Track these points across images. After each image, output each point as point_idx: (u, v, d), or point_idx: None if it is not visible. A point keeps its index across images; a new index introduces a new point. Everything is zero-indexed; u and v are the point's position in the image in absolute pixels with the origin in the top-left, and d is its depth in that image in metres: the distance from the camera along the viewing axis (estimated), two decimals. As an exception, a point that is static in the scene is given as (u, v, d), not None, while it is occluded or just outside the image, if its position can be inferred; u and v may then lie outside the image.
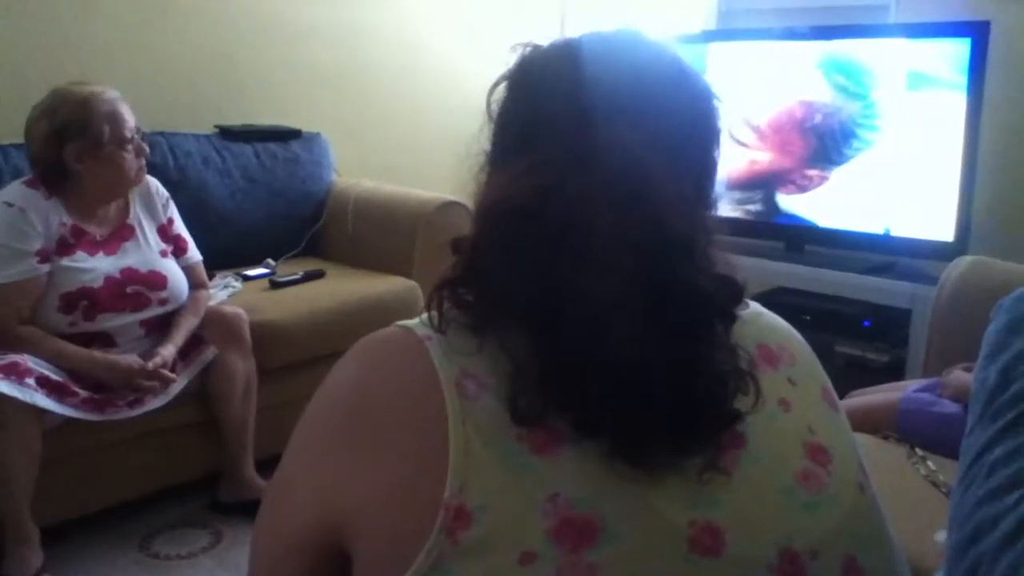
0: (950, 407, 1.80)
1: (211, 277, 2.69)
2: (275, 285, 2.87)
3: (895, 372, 2.84)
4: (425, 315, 0.76)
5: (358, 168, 3.54)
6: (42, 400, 2.05)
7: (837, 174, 3.05)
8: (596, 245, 0.68)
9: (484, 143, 0.84)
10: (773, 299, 3.18)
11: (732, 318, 0.74)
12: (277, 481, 0.82)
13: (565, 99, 0.77)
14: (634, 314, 0.67)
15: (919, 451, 1.78)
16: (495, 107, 0.83)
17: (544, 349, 0.69)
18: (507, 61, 0.83)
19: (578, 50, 0.80)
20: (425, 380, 0.71)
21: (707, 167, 0.83)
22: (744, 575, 0.69)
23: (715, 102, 0.83)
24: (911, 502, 1.60)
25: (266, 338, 2.54)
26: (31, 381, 2.04)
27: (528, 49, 0.83)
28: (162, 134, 2.94)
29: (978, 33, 2.71)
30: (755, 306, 0.85)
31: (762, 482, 0.72)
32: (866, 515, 0.78)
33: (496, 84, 0.83)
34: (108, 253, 2.30)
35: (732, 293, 0.75)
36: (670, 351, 0.68)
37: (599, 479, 0.68)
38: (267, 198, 3.18)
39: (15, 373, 2.02)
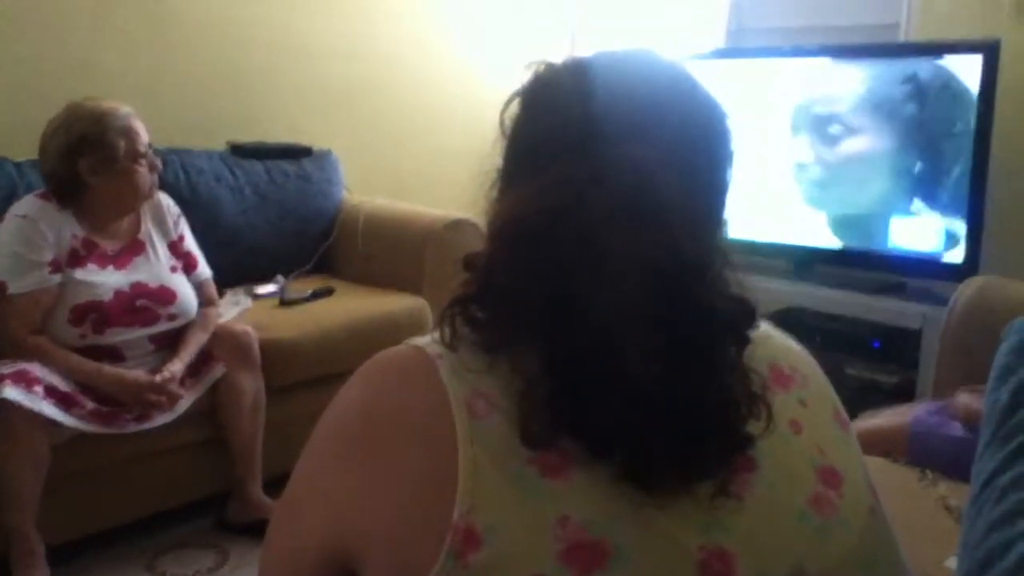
0: (960, 430, 1.79)
1: (221, 295, 2.70)
2: (285, 303, 2.87)
3: (905, 394, 2.81)
4: (436, 332, 0.76)
5: (368, 185, 3.55)
6: (49, 409, 2.05)
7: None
8: (609, 265, 0.68)
9: (497, 159, 0.83)
10: (783, 320, 3.16)
11: (746, 340, 0.74)
12: (285, 501, 0.82)
13: (578, 118, 0.76)
14: (646, 335, 0.66)
15: (930, 474, 1.76)
16: (508, 123, 0.82)
17: (555, 369, 0.68)
18: (520, 79, 0.82)
19: (591, 69, 0.80)
20: (434, 400, 0.71)
21: (720, 187, 0.82)
22: None
23: (728, 122, 0.82)
24: (921, 527, 1.58)
25: (275, 356, 2.54)
26: (39, 389, 2.05)
27: (542, 67, 0.82)
28: (174, 151, 2.94)
29: (988, 52, 2.71)
30: (766, 326, 0.84)
31: (774, 507, 0.72)
32: (878, 539, 0.77)
33: (509, 101, 0.82)
34: (118, 267, 2.31)
35: (746, 315, 0.75)
36: (682, 373, 0.67)
37: (610, 502, 0.67)
38: (278, 215, 3.18)
39: (24, 381, 2.03)
